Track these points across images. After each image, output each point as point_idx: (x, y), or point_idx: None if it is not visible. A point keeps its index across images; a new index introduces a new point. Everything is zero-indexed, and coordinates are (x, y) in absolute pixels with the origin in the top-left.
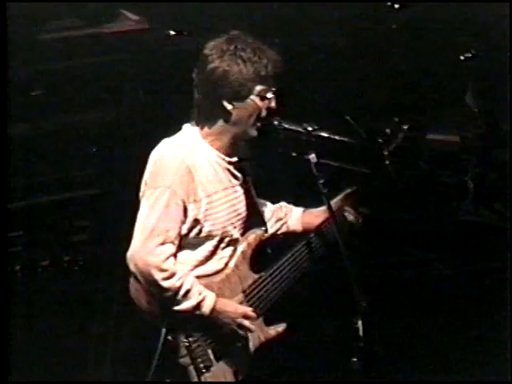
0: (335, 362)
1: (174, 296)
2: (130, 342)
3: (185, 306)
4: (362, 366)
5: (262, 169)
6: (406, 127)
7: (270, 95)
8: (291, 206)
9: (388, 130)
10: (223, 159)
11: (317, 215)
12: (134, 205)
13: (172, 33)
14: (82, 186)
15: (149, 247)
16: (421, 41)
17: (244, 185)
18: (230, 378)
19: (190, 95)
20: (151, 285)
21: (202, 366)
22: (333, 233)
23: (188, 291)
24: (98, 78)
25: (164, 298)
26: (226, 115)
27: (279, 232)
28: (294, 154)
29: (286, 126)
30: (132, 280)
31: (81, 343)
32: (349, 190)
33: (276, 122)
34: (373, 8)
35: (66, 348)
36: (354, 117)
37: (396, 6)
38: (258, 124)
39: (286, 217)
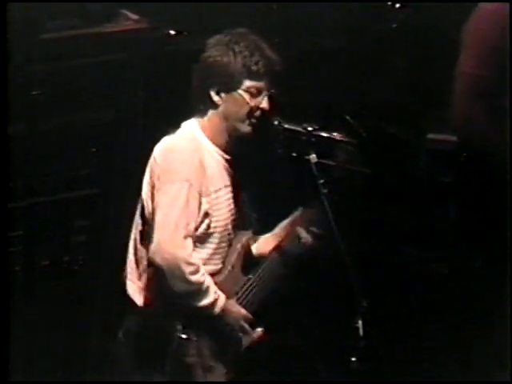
0: (335, 362)
1: (196, 292)
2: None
3: (203, 302)
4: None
5: (262, 169)
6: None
7: (260, 94)
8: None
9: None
10: (222, 156)
11: (267, 242)
12: (134, 205)
13: (172, 33)
14: (82, 186)
15: (176, 240)
16: (421, 41)
17: (235, 184)
18: (224, 379)
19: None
20: (177, 279)
21: (208, 365)
22: (296, 248)
23: (208, 288)
24: (98, 78)
25: (188, 293)
26: (214, 107)
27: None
28: (294, 154)
29: (286, 126)
30: (129, 277)
31: (81, 343)
32: (298, 213)
33: (276, 122)
34: (373, 8)
35: (66, 348)
36: (353, 117)
37: (396, 5)
38: (252, 120)
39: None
